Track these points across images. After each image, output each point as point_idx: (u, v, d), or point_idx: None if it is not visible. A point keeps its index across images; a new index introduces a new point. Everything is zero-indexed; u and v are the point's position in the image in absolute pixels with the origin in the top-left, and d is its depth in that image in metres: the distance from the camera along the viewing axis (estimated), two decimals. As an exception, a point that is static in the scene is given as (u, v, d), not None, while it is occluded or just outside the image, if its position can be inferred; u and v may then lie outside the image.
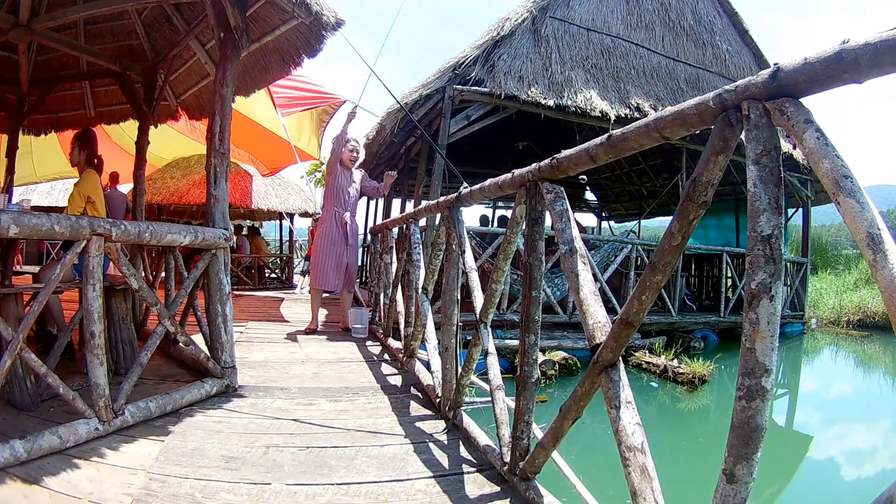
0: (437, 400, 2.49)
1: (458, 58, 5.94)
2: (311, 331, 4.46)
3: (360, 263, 13.67)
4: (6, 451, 1.60)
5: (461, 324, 2.43)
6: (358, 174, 4.78)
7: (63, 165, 3.76)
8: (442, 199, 2.67)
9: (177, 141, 8.07)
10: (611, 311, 5.06)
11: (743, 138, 0.91)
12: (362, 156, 4.78)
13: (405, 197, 10.89)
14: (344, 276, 4.55)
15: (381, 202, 11.54)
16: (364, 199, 12.68)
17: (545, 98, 6.14)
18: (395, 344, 3.79)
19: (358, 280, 11.01)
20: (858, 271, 12.49)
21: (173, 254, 3.08)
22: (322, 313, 6.24)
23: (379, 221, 8.93)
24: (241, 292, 8.48)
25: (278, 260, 12.40)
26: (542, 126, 7.22)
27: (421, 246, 3.47)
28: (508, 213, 10.44)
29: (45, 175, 8.92)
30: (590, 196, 13.83)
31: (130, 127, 4.60)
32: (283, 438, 2.05)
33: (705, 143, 0.98)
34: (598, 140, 1.29)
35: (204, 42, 3.72)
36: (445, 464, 1.87)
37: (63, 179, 10.38)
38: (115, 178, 6.92)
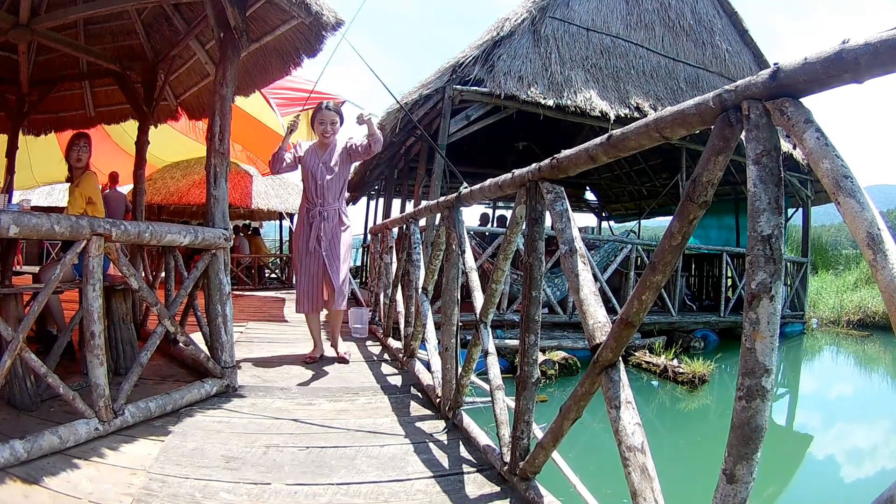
0: (437, 400, 2.49)
1: (457, 58, 5.94)
2: (312, 359, 3.44)
3: (359, 264, 13.69)
4: (6, 451, 1.60)
5: (461, 324, 2.43)
6: (339, 145, 3.46)
7: (63, 171, 3.74)
8: (442, 199, 2.67)
9: (177, 142, 8.07)
10: (611, 311, 5.06)
11: (743, 138, 0.91)
12: (339, 127, 3.43)
13: (405, 197, 10.89)
14: (319, 294, 3.38)
15: (381, 203, 11.54)
16: (364, 198, 12.76)
17: (545, 98, 6.14)
18: (395, 344, 3.80)
19: (357, 280, 11.06)
20: (858, 271, 12.49)
21: (173, 254, 3.08)
22: (322, 313, 6.23)
23: (379, 221, 8.94)
24: (241, 292, 8.49)
25: (278, 260, 12.41)
26: (542, 126, 7.23)
27: (421, 246, 3.47)
28: (508, 213, 10.46)
29: (45, 180, 8.94)
30: (590, 196, 13.85)
31: (131, 127, 4.60)
32: (283, 438, 2.05)
33: (705, 143, 0.98)
34: (598, 140, 1.28)
35: (204, 42, 3.72)
36: (445, 464, 1.87)
37: (63, 183, 10.40)
38: (114, 178, 6.93)
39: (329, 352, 3.58)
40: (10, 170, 4.81)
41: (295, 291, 3.41)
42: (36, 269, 4.43)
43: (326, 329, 3.68)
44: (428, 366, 2.85)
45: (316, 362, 3.40)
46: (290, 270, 12.24)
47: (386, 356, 3.74)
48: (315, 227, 3.33)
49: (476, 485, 1.71)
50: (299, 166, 3.42)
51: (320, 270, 3.33)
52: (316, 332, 3.51)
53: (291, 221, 13.41)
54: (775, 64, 0.84)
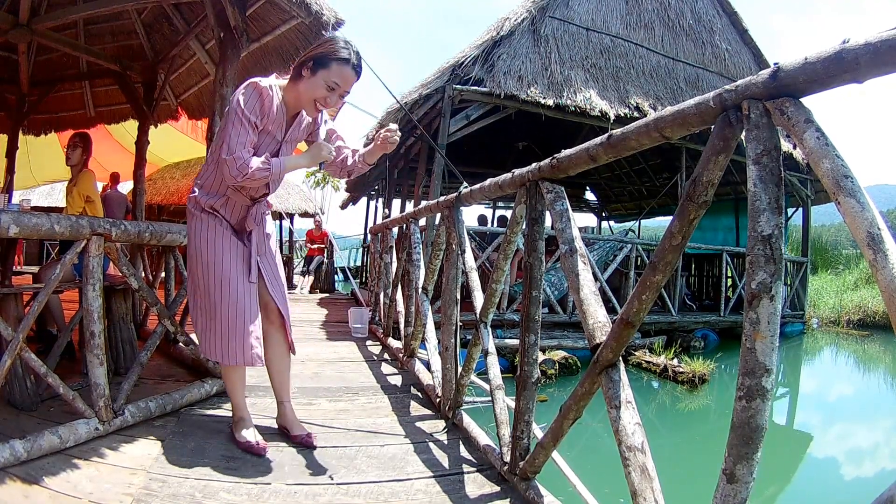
0: (437, 400, 2.49)
1: (457, 57, 5.95)
2: (260, 450, 1.87)
3: (359, 263, 13.62)
4: (6, 451, 1.60)
5: (461, 323, 2.43)
6: (309, 120, 2.00)
7: (62, 170, 3.76)
8: (442, 198, 2.67)
9: (177, 142, 8.07)
10: (611, 310, 5.06)
11: (743, 138, 0.91)
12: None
13: (405, 197, 10.90)
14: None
15: (381, 203, 11.55)
16: (364, 198, 12.74)
17: (545, 98, 6.15)
18: (395, 344, 3.79)
19: (357, 280, 11.05)
20: (858, 271, 12.50)
21: (173, 254, 3.08)
22: (322, 313, 6.25)
23: (379, 221, 8.94)
24: (241, 292, 8.46)
25: (278, 260, 12.37)
26: (542, 126, 7.23)
27: (421, 245, 3.47)
28: (507, 213, 10.45)
29: (44, 179, 8.95)
30: (590, 196, 13.85)
31: (132, 126, 4.61)
32: (283, 438, 2.05)
33: (705, 142, 0.98)
34: (598, 140, 1.28)
35: (204, 42, 3.72)
36: (445, 464, 1.87)
37: (62, 182, 10.42)
38: (115, 178, 6.92)
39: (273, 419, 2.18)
40: (10, 170, 4.82)
41: (213, 335, 1.86)
42: (36, 269, 4.43)
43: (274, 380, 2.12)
44: (428, 365, 2.85)
45: (263, 454, 1.86)
46: (290, 270, 12.14)
47: (386, 356, 3.74)
48: (255, 237, 1.96)
49: (476, 485, 1.71)
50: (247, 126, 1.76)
51: (258, 298, 1.95)
52: (242, 397, 2.05)
53: (291, 222, 13.42)
54: (775, 64, 0.84)
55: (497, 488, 1.68)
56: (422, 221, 5.00)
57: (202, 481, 1.64)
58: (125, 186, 6.91)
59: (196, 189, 1.89)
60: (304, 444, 1.98)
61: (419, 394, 2.78)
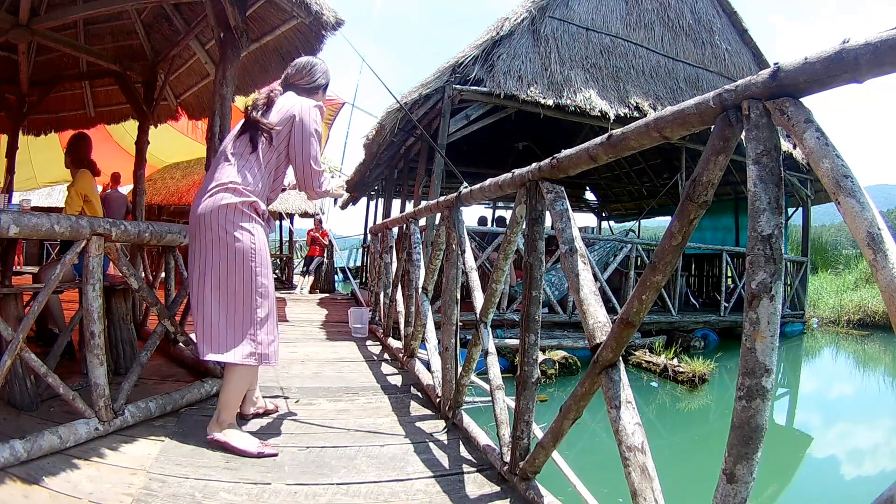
0: (437, 400, 2.49)
1: (457, 57, 5.94)
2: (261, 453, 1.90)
3: (359, 264, 13.66)
4: (6, 451, 1.60)
5: (461, 323, 2.43)
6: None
7: (63, 171, 3.76)
8: (442, 198, 2.67)
9: (177, 142, 8.07)
10: (611, 310, 5.06)
11: (743, 138, 0.91)
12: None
13: (405, 197, 10.89)
14: None
15: (381, 202, 11.55)
16: (364, 198, 12.73)
17: (544, 98, 6.14)
18: (395, 343, 3.79)
19: (357, 280, 11.06)
20: (858, 271, 12.50)
21: (173, 254, 3.08)
22: (322, 313, 6.25)
23: (379, 221, 8.94)
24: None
25: (278, 260, 12.40)
26: (541, 126, 7.23)
27: (421, 245, 3.47)
28: (506, 214, 10.45)
29: (46, 181, 8.94)
30: (590, 196, 13.85)
31: (132, 127, 4.61)
32: (283, 438, 2.05)
33: (705, 142, 0.98)
34: (598, 140, 1.28)
35: (204, 42, 3.72)
36: (445, 464, 1.87)
37: (63, 184, 10.42)
38: (116, 178, 6.91)
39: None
40: (10, 170, 4.82)
41: (268, 338, 1.95)
42: (36, 269, 4.43)
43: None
44: (428, 365, 2.85)
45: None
46: (290, 271, 12.18)
47: (386, 356, 3.75)
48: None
49: (476, 485, 1.71)
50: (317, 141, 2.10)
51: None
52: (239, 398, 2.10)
53: (291, 222, 13.43)
54: (776, 63, 0.84)
55: (497, 488, 1.68)
56: (422, 221, 5.00)
57: (202, 481, 1.64)
58: (124, 189, 6.90)
59: (248, 194, 1.92)
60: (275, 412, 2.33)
61: (419, 394, 2.78)
